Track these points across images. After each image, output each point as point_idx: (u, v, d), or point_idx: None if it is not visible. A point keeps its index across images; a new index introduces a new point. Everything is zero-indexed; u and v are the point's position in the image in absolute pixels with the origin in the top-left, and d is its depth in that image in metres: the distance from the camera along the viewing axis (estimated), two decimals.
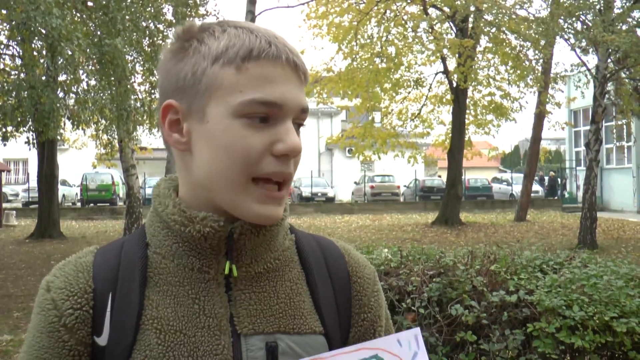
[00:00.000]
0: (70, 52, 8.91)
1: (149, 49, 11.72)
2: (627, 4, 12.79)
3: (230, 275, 0.85)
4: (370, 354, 0.80)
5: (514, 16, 14.69)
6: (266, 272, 0.88)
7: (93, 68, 10.64)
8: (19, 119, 9.99)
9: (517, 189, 26.24)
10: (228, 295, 0.85)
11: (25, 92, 9.05)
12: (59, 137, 14.65)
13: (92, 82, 10.92)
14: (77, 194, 29.68)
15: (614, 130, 20.91)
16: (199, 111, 0.81)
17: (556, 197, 28.55)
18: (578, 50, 13.11)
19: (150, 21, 11.74)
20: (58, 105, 9.38)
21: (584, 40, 12.49)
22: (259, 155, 0.79)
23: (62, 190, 23.55)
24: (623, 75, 14.05)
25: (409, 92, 18.78)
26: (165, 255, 0.86)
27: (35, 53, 9.98)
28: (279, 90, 0.79)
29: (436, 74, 18.54)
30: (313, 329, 0.87)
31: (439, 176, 32.55)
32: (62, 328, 0.82)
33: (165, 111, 0.85)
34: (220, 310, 0.84)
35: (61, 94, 10.31)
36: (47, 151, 15.99)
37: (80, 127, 12.30)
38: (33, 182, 22.55)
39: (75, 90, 10.72)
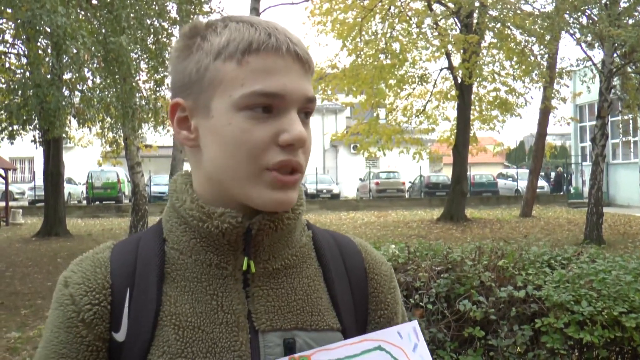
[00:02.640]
0: (75, 50, 8.92)
1: (154, 47, 11.73)
2: None
3: (248, 272, 0.85)
4: (373, 345, 0.81)
5: (518, 11, 14.62)
6: (284, 269, 0.88)
7: (98, 66, 10.65)
8: (24, 118, 10.01)
9: (522, 184, 26.16)
10: (246, 291, 0.85)
11: (31, 91, 9.07)
12: (64, 136, 14.75)
13: (97, 80, 10.93)
14: (83, 192, 29.78)
15: (620, 125, 20.80)
16: (204, 107, 0.83)
17: (562, 193, 28.47)
18: (584, 45, 13.04)
19: (154, 19, 11.73)
20: (63, 103, 9.40)
21: (589, 34, 12.42)
22: (264, 147, 0.79)
23: (68, 188, 23.62)
24: (629, 69, 13.97)
25: (414, 89, 18.73)
26: (183, 251, 0.86)
27: (40, 52, 10.01)
28: (281, 81, 0.79)
29: (441, 70, 18.49)
30: (330, 326, 0.87)
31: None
32: (81, 323, 0.82)
33: (174, 109, 0.86)
34: (238, 306, 0.84)
35: (66, 92, 10.33)
36: (53, 149, 16.03)
37: (85, 125, 12.35)
38: (39, 181, 22.60)
39: (80, 88, 10.74)
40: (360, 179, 32.19)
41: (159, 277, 0.85)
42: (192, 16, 12.30)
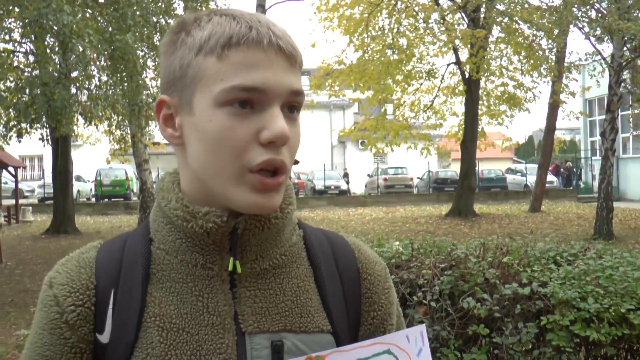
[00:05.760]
0: (81, 49, 8.96)
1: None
2: None
3: (234, 272, 0.83)
4: (383, 348, 0.81)
5: (526, 5, 14.51)
6: (272, 269, 0.86)
7: (104, 64, 10.69)
8: (32, 116, 10.06)
9: (531, 179, 26.01)
10: (232, 292, 0.83)
11: (39, 89, 9.12)
12: (72, 133, 14.80)
13: (104, 78, 10.96)
14: (91, 189, 29.94)
15: (630, 119, 20.62)
16: (188, 104, 0.81)
17: (571, 188, 28.29)
18: (593, 39, 12.92)
19: (160, 16, 11.75)
20: (70, 101, 9.45)
21: (598, 28, 12.30)
22: (246, 145, 0.77)
23: (76, 186, 23.79)
24: (639, 63, 13.84)
25: (421, 84, 18.65)
26: (169, 251, 0.84)
27: (47, 50, 10.05)
28: (261, 75, 0.77)
29: (448, 65, 18.40)
30: (320, 328, 0.85)
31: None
32: (64, 325, 0.81)
33: (159, 106, 0.84)
34: (224, 307, 0.82)
35: (74, 91, 10.37)
36: (61, 147, 16.13)
37: (93, 123, 12.38)
38: (48, 179, 22.76)
39: (87, 86, 10.78)
40: (369, 175, 32.14)
41: (144, 277, 0.83)
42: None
